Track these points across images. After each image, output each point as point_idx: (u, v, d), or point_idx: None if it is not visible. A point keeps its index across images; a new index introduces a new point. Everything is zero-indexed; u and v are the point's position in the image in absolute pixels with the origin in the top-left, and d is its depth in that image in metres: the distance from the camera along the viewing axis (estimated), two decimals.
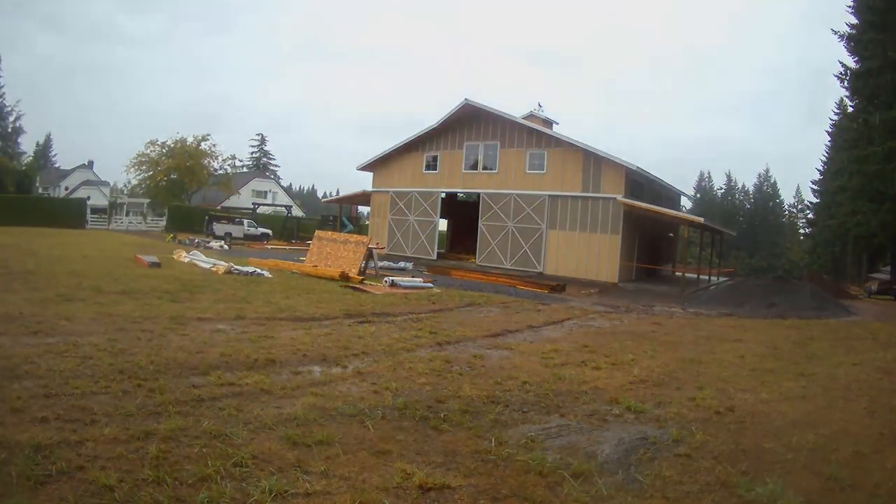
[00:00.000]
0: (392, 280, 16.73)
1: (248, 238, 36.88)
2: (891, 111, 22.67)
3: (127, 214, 51.40)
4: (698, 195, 75.17)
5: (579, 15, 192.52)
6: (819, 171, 52.13)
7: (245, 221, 39.92)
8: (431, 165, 29.08)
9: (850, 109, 33.63)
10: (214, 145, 50.61)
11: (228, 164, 53.06)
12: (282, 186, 73.75)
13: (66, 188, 62.08)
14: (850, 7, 26.09)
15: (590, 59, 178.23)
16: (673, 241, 33.87)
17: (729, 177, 77.98)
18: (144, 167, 48.10)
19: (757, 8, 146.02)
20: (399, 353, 7.55)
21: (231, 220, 39.68)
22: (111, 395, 4.85)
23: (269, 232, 39.93)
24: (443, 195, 28.70)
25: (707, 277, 29.59)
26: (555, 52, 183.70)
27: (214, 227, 36.90)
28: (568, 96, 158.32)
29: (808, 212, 61.43)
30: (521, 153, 26.20)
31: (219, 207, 48.84)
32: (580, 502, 3.54)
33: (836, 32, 25.98)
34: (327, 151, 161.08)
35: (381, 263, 20.25)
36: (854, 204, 29.26)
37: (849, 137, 30.73)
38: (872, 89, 24.01)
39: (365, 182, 32.69)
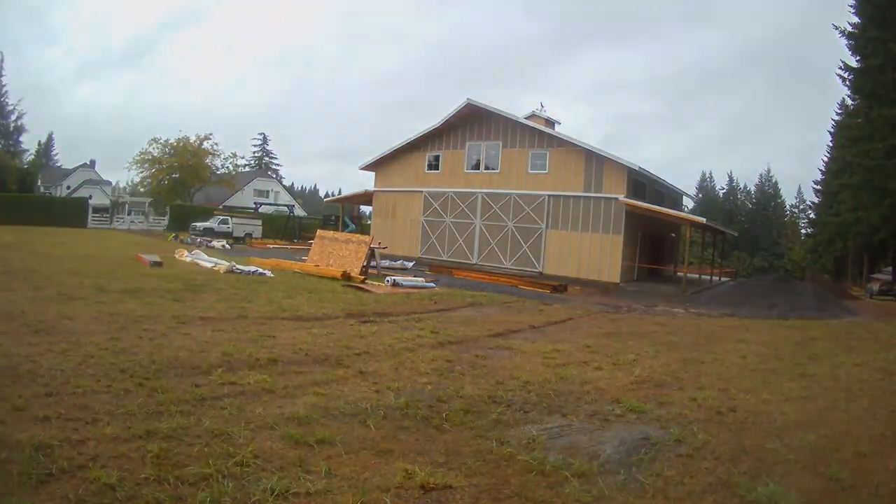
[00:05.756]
0: (394, 279, 16.75)
1: (220, 235, 33.27)
2: (892, 108, 22.65)
3: (129, 213, 51.49)
4: (700, 195, 75.07)
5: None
6: (821, 170, 52.07)
7: (219, 218, 37.06)
8: (434, 165, 29.09)
9: (851, 109, 33.60)
10: (216, 144, 50.75)
11: (230, 163, 53.19)
12: (284, 185, 73.82)
13: (68, 187, 62.20)
14: (851, 6, 26.09)
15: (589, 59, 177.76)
16: (675, 242, 33.86)
17: (731, 177, 77.97)
18: (147, 164, 48.18)
19: (757, 6, 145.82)
20: (401, 352, 7.55)
21: (205, 219, 37.63)
22: (113, 394, 4.86)
23: (252, 232, 37.14)
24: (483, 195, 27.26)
25: (709, 278, 29.60)
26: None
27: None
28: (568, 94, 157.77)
29: (809, 212, 61.37)
30: (524, 153, 26.20)
31: (220, 207, 48.86)
32: (582, 502, 3.54)
33: (837, 27, 26.01)
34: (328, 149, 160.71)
35: (382, 263, 20.26)
36: (855, 200, 29.28)
37: (850, 135, 30.71)
38: (873, 86, 24.00)
39: (367, 182, 32.71)
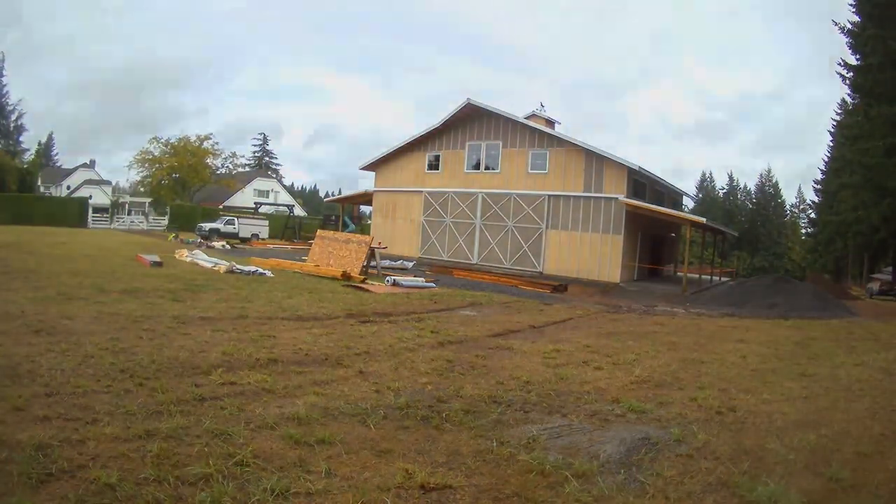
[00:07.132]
0: (394, 279, 16.76)
1: (226, 237, 33.63)
2: (892, 106, 22.68)
3: (129, 213, 51.46)
4: (700, 195, 75.05)
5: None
6: (821, 170, 52.08)
7: (225, 218, 37.23)
8: (434, 165, 29.08)
9: (851, 107, 33.63)
10: (216, 143, 50.80)
11: (230, 163, 53.22)
12: (284, 185, 73.83)
13: (68, 187, 62.19)
14: (851, 4, 26.13)
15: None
16: (675, 242, 33.89)
17: (731, 177, 77.98)
18: (147, 164, 48.21)
19: (758, 6, 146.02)
20: (401, 352, 7.55)
21: (211, 220, 37.90)
22: (113, 394, 4.86)
23: (258, 232, 37.22)
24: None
25: (709, 277, 29.59)
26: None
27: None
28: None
29: (809, 211, 61.33)
30: (524, 153, 26.20)
31: (221, 207, 48.86)
32: (582, 502, 3.54)
33: (836, 24, 26.05)
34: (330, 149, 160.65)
35: (382, 263, 20.27)
36: (856, 199, 29.31)
37: (850, 134, 30.75)
38: (873, 84, 24.03)
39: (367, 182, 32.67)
